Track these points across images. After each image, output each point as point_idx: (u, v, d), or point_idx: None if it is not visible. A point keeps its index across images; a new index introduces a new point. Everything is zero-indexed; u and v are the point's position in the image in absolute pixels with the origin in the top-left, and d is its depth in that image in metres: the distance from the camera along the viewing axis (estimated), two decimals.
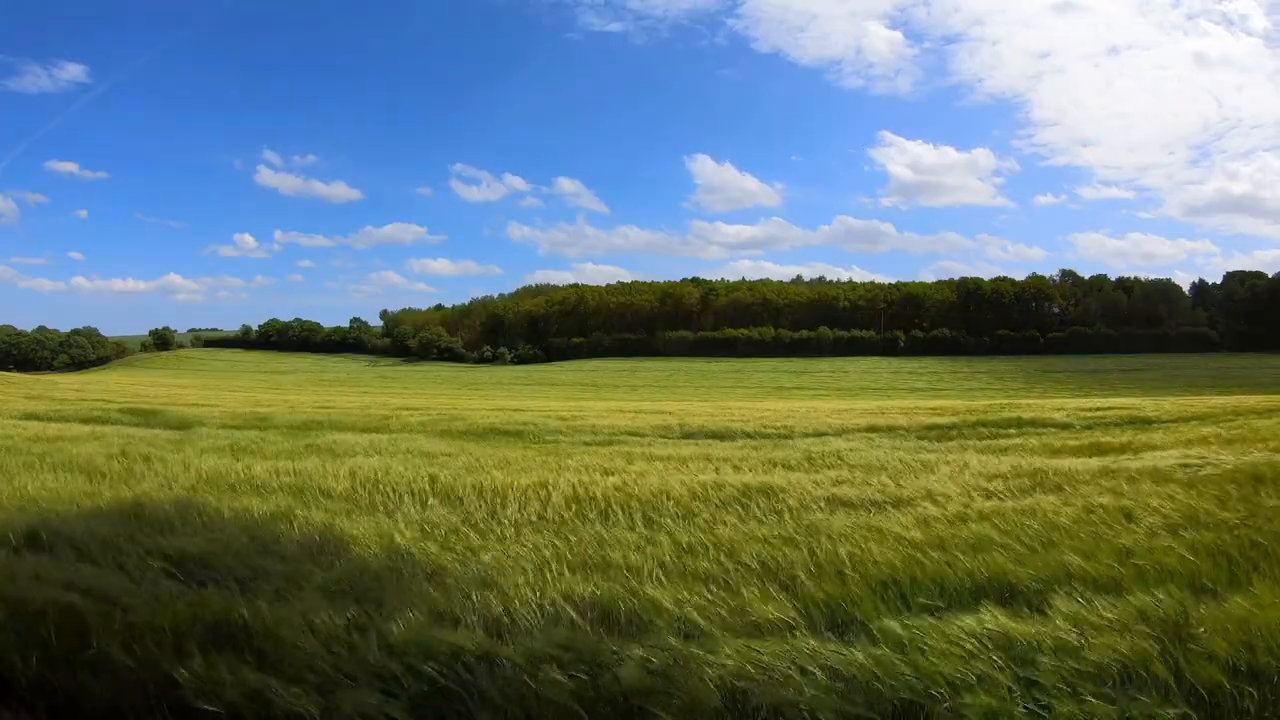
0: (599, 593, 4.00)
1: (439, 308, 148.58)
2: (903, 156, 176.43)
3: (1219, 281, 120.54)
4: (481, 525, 5.69)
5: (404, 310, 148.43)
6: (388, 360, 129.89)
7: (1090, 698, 2.75)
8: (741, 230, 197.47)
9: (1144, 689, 2.82)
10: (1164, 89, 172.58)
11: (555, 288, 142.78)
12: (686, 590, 4.02)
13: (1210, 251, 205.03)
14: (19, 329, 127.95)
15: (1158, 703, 2.73)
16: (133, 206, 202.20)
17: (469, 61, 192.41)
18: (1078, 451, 10.34)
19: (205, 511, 5.93)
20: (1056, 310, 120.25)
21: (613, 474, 7.93)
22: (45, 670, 3.39)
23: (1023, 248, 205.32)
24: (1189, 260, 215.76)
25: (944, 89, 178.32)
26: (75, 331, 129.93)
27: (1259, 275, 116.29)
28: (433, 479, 7.42)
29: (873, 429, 15.82)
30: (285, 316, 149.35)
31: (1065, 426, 15.90)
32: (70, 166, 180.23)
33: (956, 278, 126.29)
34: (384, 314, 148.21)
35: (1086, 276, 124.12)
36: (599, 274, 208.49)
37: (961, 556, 4.45)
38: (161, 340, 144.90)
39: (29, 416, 19.75)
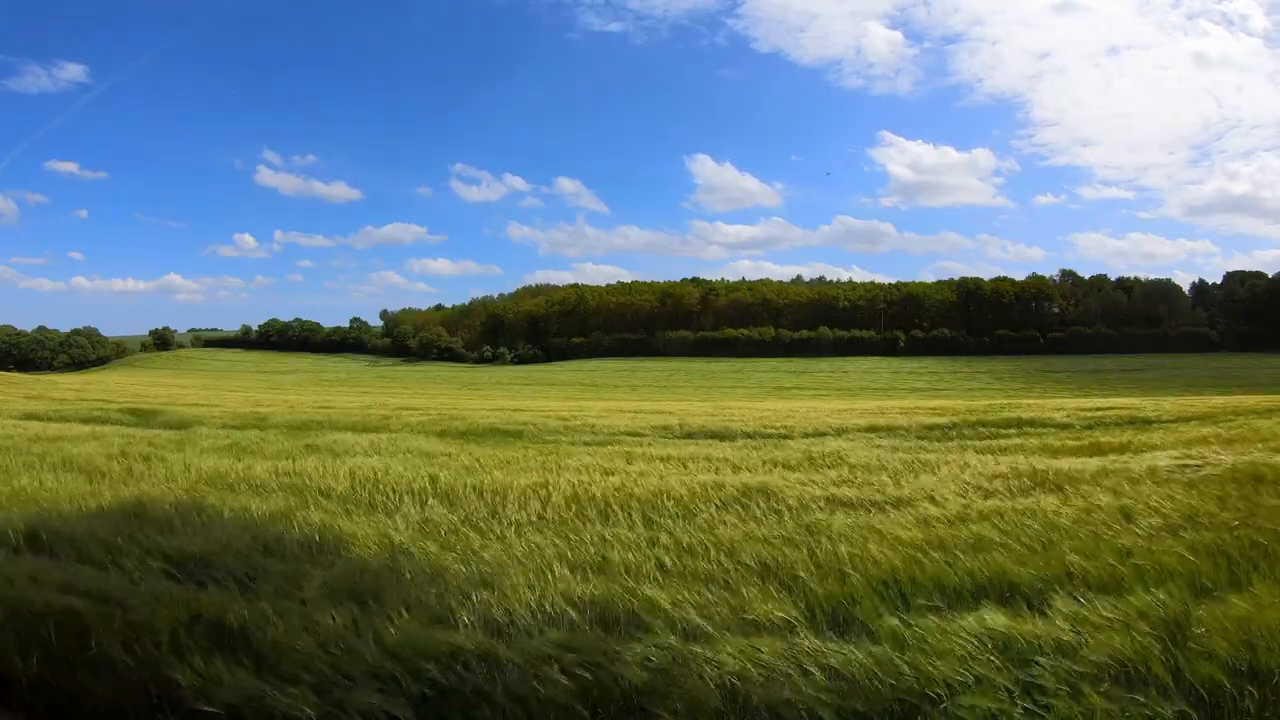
0: (599, 592, 4.00)
1: (439, 308, 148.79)
2: (903, 156, 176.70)
3: (1219, 281, 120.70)
4: (482, 525, 5.68)
5: (404, 310, 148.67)
6: (388, 360, 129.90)
7: (1090, 697, 2.75)
8: (741, 230, 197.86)
9: (1144, 688, 2.82)
10: (1164, 89, 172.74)
11: (555, 288, 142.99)
12: (687, 590, 4.02)
13: (1210, 251, 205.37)
14: (19, 329, 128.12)
15: (1158, 702, 2.73)
16: (133, 206, 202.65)
17: (469, 61, 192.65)
18: (1078, 452, 10.34)
19: (205, 511, 5.93)
20: (1056, 310, 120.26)
21: (613, 474, 7.93)
22: (45, 670, 3.39)
23: (1023, 248, 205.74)
24: (1189, 260, 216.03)
25: (944, 89, 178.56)
26: (75, 331, 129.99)
27: (1259, 275, 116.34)
28: (432, 479, 7.42)
29: (872, 429, 15.82)
30: (285, 316, 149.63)
31: (1065, 427, 15.90)
32: (70, 166, 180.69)
33: (956, 278, 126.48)
34: (384, 314, 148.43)
35: (1086, 276, 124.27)
36: (599, 274, 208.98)
37: (962, 556, 4.45)
38: (161, 340, 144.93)
39: (29, 416, 19.76)
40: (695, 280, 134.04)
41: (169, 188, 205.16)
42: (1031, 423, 16.53)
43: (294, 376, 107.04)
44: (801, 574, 4.26)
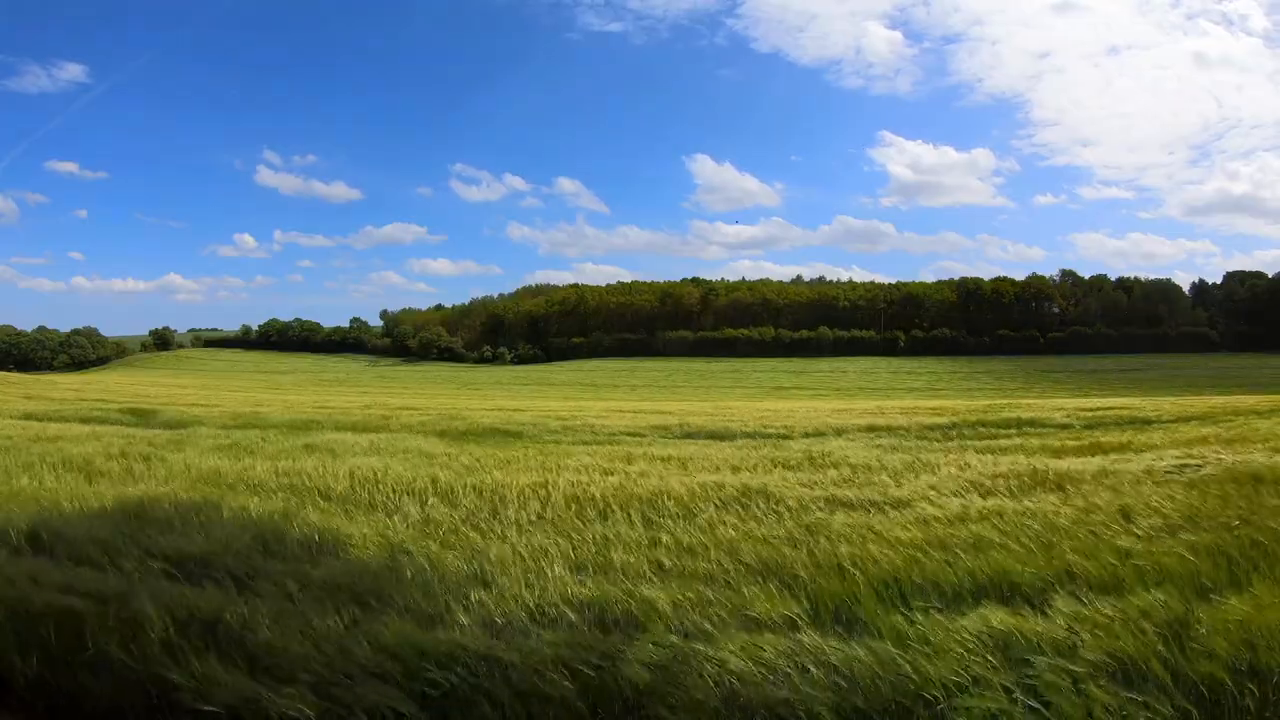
0: (600, 592, 4.00)
1: (439, 308, 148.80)
2: (902, 156, 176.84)
3: (1219, 281, 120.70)
4: (482, 525, 5.68)
5: (404, 310, 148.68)
6: (388, 360, 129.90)
7: (1092, 695, 2.75)
8: (741, 230, 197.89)
9: (1145, 687, 2.82)
10: (1164, 89, 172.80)
11: (555, 288, 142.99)
12: (687, 589, 4.02)
13: (1210, 251, 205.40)
14: (19, 329, 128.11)
15: (1159, 700, 2.73)
16: (133, 206, 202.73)
17: (469, 61, 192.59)
18: (1077, 452, 10.33)
19: (205, 511, 5.92)
20: (1056, 310, 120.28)
21: (612, 474, 7.92)
22: (45, 671, 3.39)
23: (1023, 248, 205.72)
24: (1189, 260, 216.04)
25: (944, 89, 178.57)
26: (75, 331, 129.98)
27: (1259, 275, 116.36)
28: (433, 479, 7.42)
29: (872, 429, 15.82)
30: (285, 316, 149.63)
31: (1065, 427, 15.90)
32: (70, 166, 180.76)
33: (956, 278, 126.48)
34: (384, 314, 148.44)
35: (1086, 276, 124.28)
36: (599, 274, 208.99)
37: (962, 556, 4.45)
38: (161, 340, 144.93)
39: (29, 416, 19.76)
40: (695, 280, 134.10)
41: (169, 188, 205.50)
42: (1031, 423, 16.53)
43: (294, 376, 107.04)
44: (802, 573, 4.26)
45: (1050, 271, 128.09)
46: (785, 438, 14.18)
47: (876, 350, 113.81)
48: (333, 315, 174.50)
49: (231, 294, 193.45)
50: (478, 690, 2.98)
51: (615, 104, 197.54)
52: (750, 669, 3.05)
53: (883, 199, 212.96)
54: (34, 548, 5.01)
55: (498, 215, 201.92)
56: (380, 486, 7.09)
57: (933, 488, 6.89)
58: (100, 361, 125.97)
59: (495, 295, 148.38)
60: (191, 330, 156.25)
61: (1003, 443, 12.26)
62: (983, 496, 6.41)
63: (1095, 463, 8.31)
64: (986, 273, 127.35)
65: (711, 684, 2.96)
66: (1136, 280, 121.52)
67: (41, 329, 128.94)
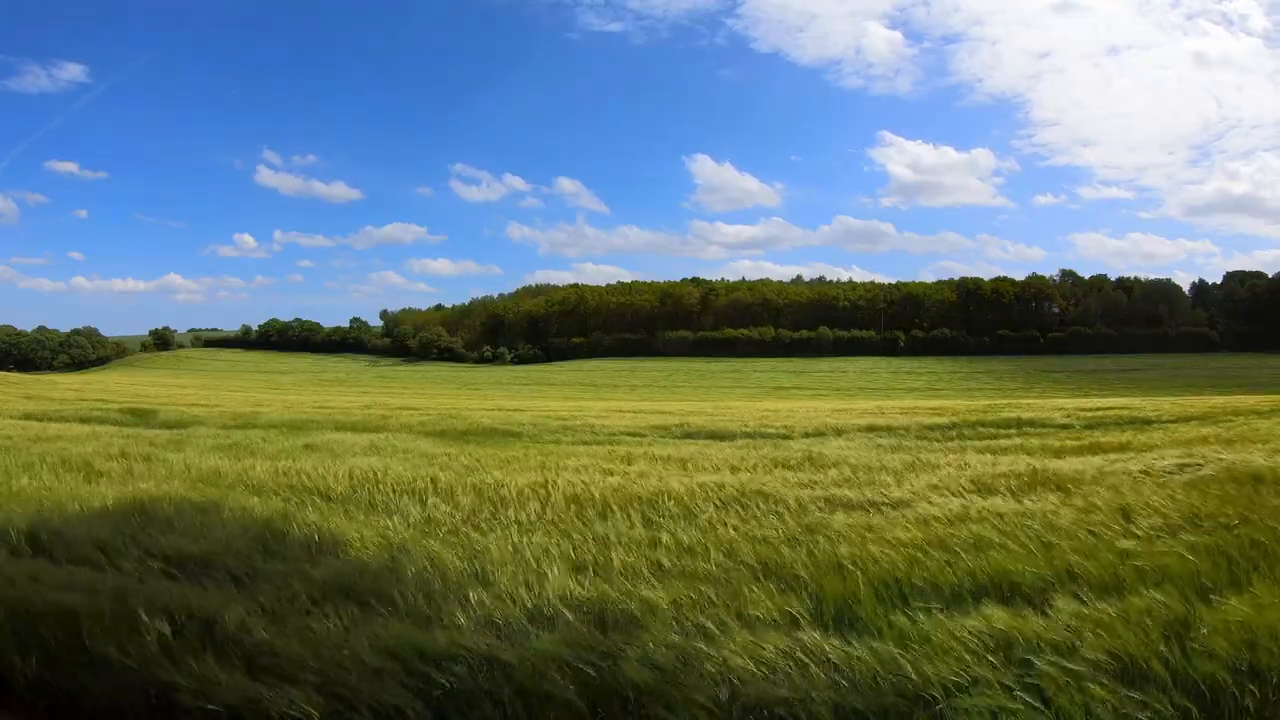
0: (600, 592, 4.01)
1: (439, 308, 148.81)
2: (902, 156, 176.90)
3: (1219, 281, 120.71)
4: (482, 525, 5.69)
5: (404, 310, 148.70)
6: (388, 360, 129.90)
7: (1093, 694, 2.75)
8: (741, 230, 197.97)
9: (1146, 686, 2.82)
10: (1164, 89, 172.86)
11: (555, 288, 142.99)
12: (688, 589, 4.02)
13: (1210, 251, 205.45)
14: (19, 329, 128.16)
15: (1160, 700, 2.73)
16: (133, 206, 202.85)
17: (469, 61, 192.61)
18: (1077, 451, 10.33)
19: (205, 511, 5.92)
20: (1056, 310, 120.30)
21: (612, 474, 7.93)
22: (45, 670, 3.39)
23: (1023, 248, 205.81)
24: (1189, 260, 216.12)
25: (944, 89, 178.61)
26: (75, 331, 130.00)
27: (1259, 275, 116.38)
28: (432, 479, 7.43)
29: (872, 429, 15.83)
30: (285, 316, 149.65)
31: (1065, 427, 15.91)
32: (70, 166, 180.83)
33: (956, 278, 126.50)
34: (384, 314, 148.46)
35: (1086, 276, 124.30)
36: (599, 274, 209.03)
37: (962, 556, 4.45)
38: (161, 340, 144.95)
39: (28, 416, 19.77)
40: (695, 280, 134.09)
41: (169, 188, 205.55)
42: (1031, 423, 16.54)
43: (294, 376, 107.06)
44: (802, 573, 4.26)
45: (1050, 271, 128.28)
46: (785, 438, 14.18)
47: (876, 350, 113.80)
48: (333, 315, 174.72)
49: (231, 294, 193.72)
50: (479, 690, 2.98)
51: (615, 104, 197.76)
52: (751, 668, 3.05)
53: (883, 199, 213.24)
54: (34, 548, 5.01)
55: (498, 215, 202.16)
56: (380, 487, 7.10)
57: (933, 488, 6.89)
58: (100, 361, 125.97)
59: (495, 295, 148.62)
60: (191, 330, 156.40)
61: (1003, 443, 12.27)
62: (983, 496, 6.41)
63: (1095, 463, 8.31)
64: (986, 273, 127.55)
65: (712, 683, 2.96)
66: (1136, 280, 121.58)
67: (41, 329, 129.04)
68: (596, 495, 6.49)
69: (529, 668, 3.06)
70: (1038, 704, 2.74)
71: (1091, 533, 4.93)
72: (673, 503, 6.23)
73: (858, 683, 2.93)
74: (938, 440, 13.23)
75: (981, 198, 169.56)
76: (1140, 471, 7.44)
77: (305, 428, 16.35)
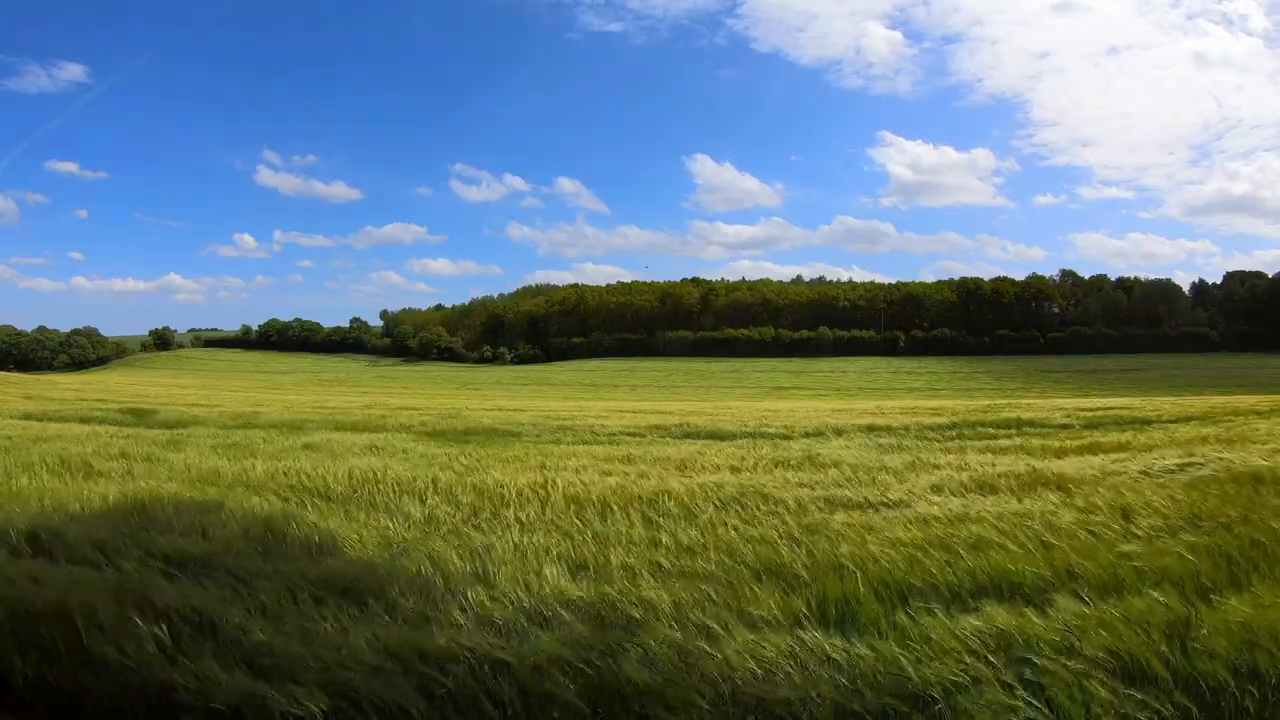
0: (601, 592, 4.01)
1: (439, 308, 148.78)
2: (902, 156, 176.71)
3: (1219, 281, 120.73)
4: (483, 525, 5.69)
5: (404, 310, 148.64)
6: (387, 360, 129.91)
7: (1093, 693, 2.75)
8: (741, 230, 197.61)
9: (1147, 686, 2.82)
10: (1164, 89, 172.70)
11: (555, 288, 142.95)
12: (688, 588, 4.03)
13: (1210, 251, 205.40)
14: (19, 329, 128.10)
15: (1160, 700, 2.73)
16: (133, 206, 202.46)
17: (469, 61, 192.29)
18: (1077, 451, 10.33)
19: (205, 512, 5.92)
20: (1056, 310, 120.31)
21: (612, 474, 7.93)
22: (44, 670, 3.39)
23: (1023, 248, 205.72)
24: (1189, 260, 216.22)
25: (944, 89, 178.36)
26: (75, 331, 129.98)
27: (1259, 275, 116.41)
28: (432, 479, 7.43)
29: (872, 429, 15.81)
30: (285, 316, 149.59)
31: (1065, 427, 15.89)
32: (70, 166, 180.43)
33: (956, 278, 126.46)
34: (384, 314, 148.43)
35: (1086, 276, 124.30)
36: (599, 274, 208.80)
37: (962, 556, 4.45)
38: (161, 340, 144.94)
39: (28, 416, 19.76)
40: (695, 280, 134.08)
41: (169, 188, 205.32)
42: (1031, 423, 16.52)
43: (294, 376, 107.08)
44: (802, 573, 4.27)
45: (1050, 271, 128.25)
46: (785, 438, 14.17)
47: (876, 350, 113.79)
48: (333, 315, 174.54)
49: (231, 294, 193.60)
50: (480, 690, 2.98)
51: (615, 104, 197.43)
52: (752, 667, 3.05)
53: (883, 199, 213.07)
54: (34, 548, 5.01)
55: (498, 215, 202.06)
56: (380, 486, 7.10)
57: (932, 488, 6.90)
58: (100, 361, 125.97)
59: (495, 295, 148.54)
60: (191, 330, 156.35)
61: (1002, 443, 12.26)
62: (983, 496, 6.41)
63: (1095, 463, 8.31)
64: (986, 273, 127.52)
65: (714, 682, 2.96)
66: (1136, 280, 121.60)
67: (41, 329, 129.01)
68: (596, 495, 6.49)
69: (529, 667, 3.07)
70: (1038, 703, 2.74)
71: (1091, 533, 4.93)
72: (673, 503, 6.24)
73: (859, 681, 2.93)
74: (937, 440, 13.23)
75: (981, 198, 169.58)
76: (1140, 472, 7.44)
77: (305, 428, 16.35)
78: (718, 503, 6.27)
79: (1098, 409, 19.41)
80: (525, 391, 75.86)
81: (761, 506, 6.11)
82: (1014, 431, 15.03)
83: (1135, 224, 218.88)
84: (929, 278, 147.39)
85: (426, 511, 6.09)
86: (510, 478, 7.42)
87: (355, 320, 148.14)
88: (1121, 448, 10.45)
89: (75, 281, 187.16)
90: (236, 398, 39.82)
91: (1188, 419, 16.42)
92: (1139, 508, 5.53)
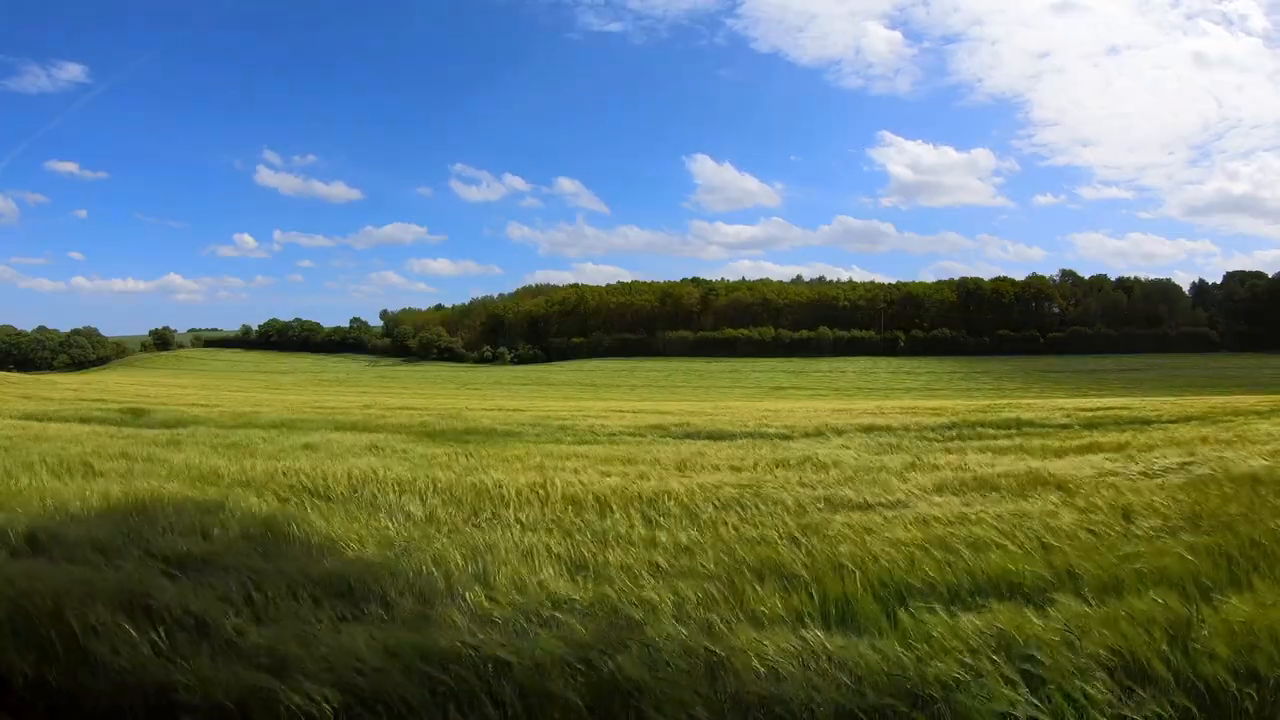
0: (601, 591, 4.01)
1: (439, 308, 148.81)
2: (902, 156, 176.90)
3: (1219, 281, 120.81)
4: (482, 524, 5.69)
5: (404, 310, 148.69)
6: (387, 360, 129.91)
7: (1093, 693, 2.76)
8: (741, 230, 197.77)
9: (1147, 685, 2.82)
10: (1164, 89, 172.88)
11: (555, 288, 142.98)
12: (688, 588, 4.03)
13: (1210, 251, 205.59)
14: (19, 329, 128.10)
15: (1160, 700, 2.73)
16: (133, 206, 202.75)
17: (469, 61, 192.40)
18: (1077, 451, 10.33)
19: (205, 512, 5.92)
20: (1056, 310, 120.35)
21: (612, 474, 7.93)
22: (44, 670, 3.38)
23: (1023, 248, 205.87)
24: (1189, 260, 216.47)
25: (943, 89, 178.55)
26: (75, 331, 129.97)
27: (1259, 275, 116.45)
28: (432, 479, 7.43)
29: (872, 429, 15.81)
30: (285, 316, 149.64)
31: (1064, 427, 15.89)
32: (70, 166, 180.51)
33: (956, 278, 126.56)
34: (384, 314, 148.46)
35: (1086, 276, 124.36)
36: (599, 274, 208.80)
37: (962, 555, 4.46)
38: (161, 340, 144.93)
39: (28, 416, 19.75)
40: (695, 280, 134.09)
41: (169, 188, 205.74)
42: (1031, 423, 16.53)
43: (293, 376, 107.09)
44: (802, 572, 4.27)
45: (1050, 271, 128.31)
46: (785, 438, 14.17)
47: (877, 350, 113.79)
48: (333, 315, 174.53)
49: (231, 294, 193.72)
50: (480, 689, 2.98)
51: (615, 104, 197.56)
52: (755, 665, 3.05)
53: (883, 199, 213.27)
54: (34, 547, 5.00)
55: (498, 215, 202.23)
56: (380, 486, 7.10)
57: (932, 488, 6.90)
58: (100, 361, 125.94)
59: (495, 295, 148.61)
60: (191, 330, 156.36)
61: (1002, 443, 12.26)
62: (982, 496, 6.42)
63: (1095, 463, 8.31)
64: (986, 273, 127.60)
65: (715, 680, 2.96)
66: (1136, 280, 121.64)
67: (41, 329, 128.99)
68: (596, 495, 6.49)
69: (530, 666, 3.06)
70: (1039, 702, 2.74)
71: (1091, 533, 4.94)
72: (673, 502, 6.24)
73: (861, 679, 2.94)
74: (937, 440, 13.23)
75: (981, 198, 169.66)
76: (1140, 472, 7.45)
77: (305, 428, 16.35)
78: (717, 503, 6.27)
79: (1097, 409, 19.42)
80: (525, 391, 75.85)
81: (761, 506, 6.12)
82: (1014, 431, 15.04)
83: (1135, 224, 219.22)
84: (929, 278, 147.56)
85: (426, 511, 6.09)
86: (510, 478, 7.42)
87: (355, 320, 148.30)
88: (1121, 448, 10.45)
89: (75, 281, 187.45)
90: (236, 398, 39.83)
91: (1187, 419, 16.42)
92: (1139, 508, 5.53)
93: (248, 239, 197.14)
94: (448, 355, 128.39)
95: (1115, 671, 2.91)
